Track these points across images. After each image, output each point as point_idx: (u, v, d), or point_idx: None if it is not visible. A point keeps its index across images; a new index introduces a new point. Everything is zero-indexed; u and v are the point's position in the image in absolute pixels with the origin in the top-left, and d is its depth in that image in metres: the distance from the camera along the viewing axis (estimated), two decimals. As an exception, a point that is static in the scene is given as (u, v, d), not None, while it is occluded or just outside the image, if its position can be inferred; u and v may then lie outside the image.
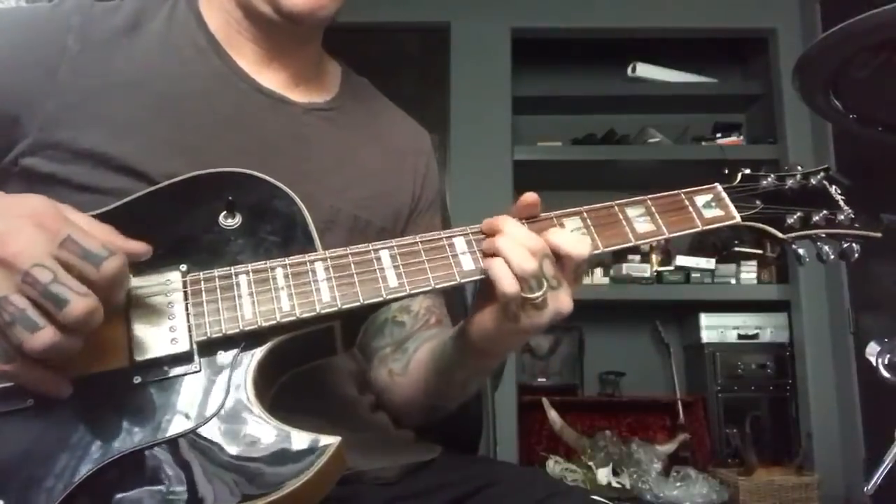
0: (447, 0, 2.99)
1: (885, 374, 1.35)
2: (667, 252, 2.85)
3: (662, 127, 2.96)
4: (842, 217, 0.84)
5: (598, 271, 2.81)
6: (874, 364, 1.36)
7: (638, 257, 2.79)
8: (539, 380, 2.86)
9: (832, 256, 0.84)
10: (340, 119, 0.94)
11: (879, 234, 0.85)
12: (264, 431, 0.63)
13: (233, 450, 0.62)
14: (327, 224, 0.86)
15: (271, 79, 0.90)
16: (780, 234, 0.83)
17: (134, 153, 0.79)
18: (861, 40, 1.13)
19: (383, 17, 2.80)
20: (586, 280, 2.79)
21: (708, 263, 2.75)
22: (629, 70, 2.96)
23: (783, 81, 2.78)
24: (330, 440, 0.62)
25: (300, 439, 0.63)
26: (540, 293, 0.68)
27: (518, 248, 0.69)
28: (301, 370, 0.74)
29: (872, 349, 1.38)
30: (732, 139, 2.92)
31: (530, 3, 2.95)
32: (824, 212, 0.84)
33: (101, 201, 0.74)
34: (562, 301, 0.71)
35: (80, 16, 0.83)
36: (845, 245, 0.84)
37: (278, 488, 0.60)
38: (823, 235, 0.84)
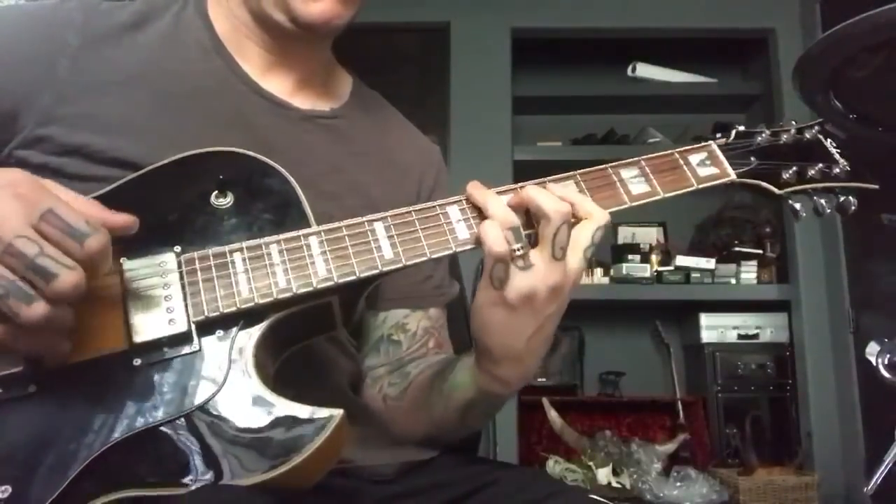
0: (447, 0, 2.99)
1: (885, 374, 1.35)
2: (667, 252, 2.85)
3: (662, 127, 2.96)
4: (837, 170, 0.83)
5: (599, 271, 2.81)
6: (874, 364, 1.36)
7: (638, 257, 2.78)
8: (539, 380, 2.85)
9: (829, 210, 0.83)
10: (343, 128, 0.94)
11: (876, 186, 0.84)
12: (267, 406, 0.64)
13: (237, 426, 0.63)
14: None
15: (274, 84, 0.90)
16: (776, 190, 0.82)
17: (127, 148, 0.79)
18: (861, 40, 1.13)
19: (383, 17, 2.80)
20: (586, 280, 2.78)
21: (708, 263, 2.74)
22: (629, 70, 2.96)
23: (783, 81, 2.77)
24: (333, 412, 0.63)
25: (303, 412, 0.63)
26: (519, 245, 0.68)
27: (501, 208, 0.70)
28: (301, 365, 0.75)
29: (872, 349, 1.38)
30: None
31: (530, 3, 2.95)
32: (820, 165, 0.83)
33: (93, 189, 0.73)
34: (549, 270, 0.69)
35: (84, 12, 0.83)
36: (842, 198, 0.83)
37: (285, 461, 0.60)
38: (820, 189, 0.82)
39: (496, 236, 0.68)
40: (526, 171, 3.06)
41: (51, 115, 0.79)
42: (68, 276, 0.57)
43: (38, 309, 0.57)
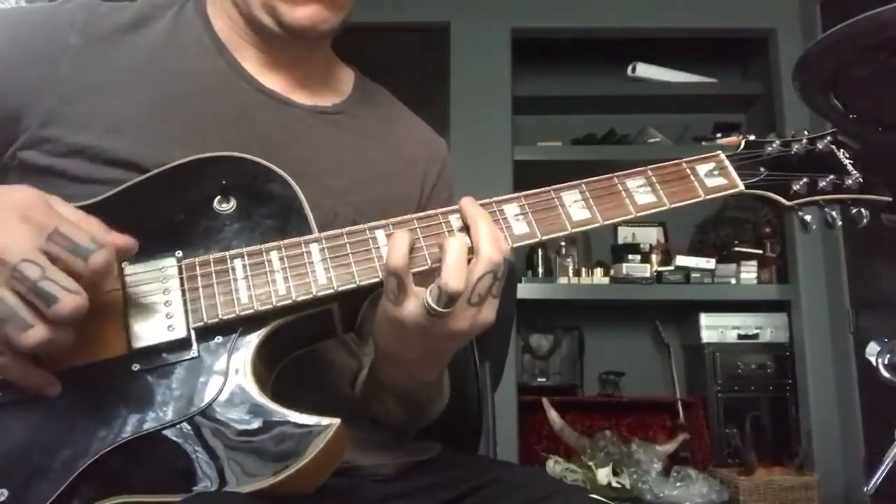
0: (447, 0, 2.99)
1: (885, 374, 1.35)
2: (667, 252, 2.85)
3: (662, 127, 2.96)
4: (850, 181, 0.81)
5: (599, 271, 2.81)
6: (874, 364, 1.36)
7: (638, 257, 2.78)
8: (539, 380, 2.86)
9: (840, 222, 0.81)
10: (347, 123, 0.94)
11: (890, 199, 0.82)
12: (265, 414, 0.64)
13: (234, 433, 0.63)
14: (325, 227, 0.85)
15: (275, 81, 0.90)
16: (785, 202, 0.81)
17: (131, 148, 0.79)
18: (861, 40, 1.13)
19: (383, 16, 2.80)
20: (586, 280, 2.78)
21: (708, 263, 2.74)
22: (629, 70, 2.95)
23: (783, 81, 2.78)
24: (330, 420, 0.63)
25: (302, 420, 0.63)
26: (448, 310, 0.66)
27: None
28: (302, 363, 0.75)
29: (872, 349, 1.38)
30: (732, 139, 2.92)
31: (530, 3, 2.95)
32: (831, 177, 0.81)
33: (97, 191, 0.74)
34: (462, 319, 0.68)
35: (85, 13, 0.84)
36: (854, 210, 0.81)
37: (282, 469, 0.60)
38: (831, 201, 0.81)
39: (399, 250, 0.66)
40: (526, 171, 3.05)
41: (54, 116, 0.79)
42: (68, 300, 0.58)
43: (35, 336, 0.58)
